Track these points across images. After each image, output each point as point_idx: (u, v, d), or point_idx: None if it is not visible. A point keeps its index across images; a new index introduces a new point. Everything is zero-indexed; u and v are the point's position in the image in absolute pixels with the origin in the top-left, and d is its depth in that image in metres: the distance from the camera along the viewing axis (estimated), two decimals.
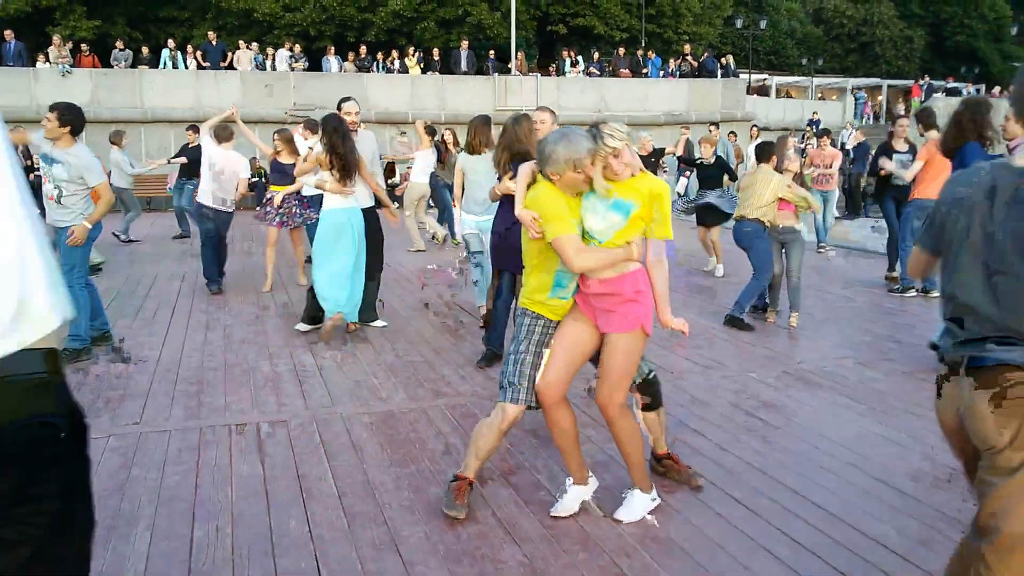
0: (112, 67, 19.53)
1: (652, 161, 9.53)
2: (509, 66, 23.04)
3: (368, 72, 21.24)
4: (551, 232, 3.04)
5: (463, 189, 6.27)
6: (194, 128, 11.65)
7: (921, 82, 35.37)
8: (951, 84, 38.14)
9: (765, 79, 35.73)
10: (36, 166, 10.68)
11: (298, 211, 8.29)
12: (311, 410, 4.62)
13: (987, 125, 5.48)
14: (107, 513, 3.31)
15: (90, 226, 5.62)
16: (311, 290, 6.32)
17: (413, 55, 22.36)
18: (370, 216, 6.40)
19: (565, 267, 3.12)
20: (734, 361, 5.65)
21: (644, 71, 23.75)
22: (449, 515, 3.23)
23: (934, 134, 7.34)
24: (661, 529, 3.19)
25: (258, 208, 8.49)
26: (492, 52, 23.58)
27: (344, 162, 5.93)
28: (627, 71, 23.31)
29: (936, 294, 6.35)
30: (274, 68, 21.00)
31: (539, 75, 22.71)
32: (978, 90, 35.58)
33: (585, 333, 3.22)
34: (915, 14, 46.02)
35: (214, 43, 21.02)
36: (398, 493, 3.52)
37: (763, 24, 37.60)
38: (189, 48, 21.12)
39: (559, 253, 3.06)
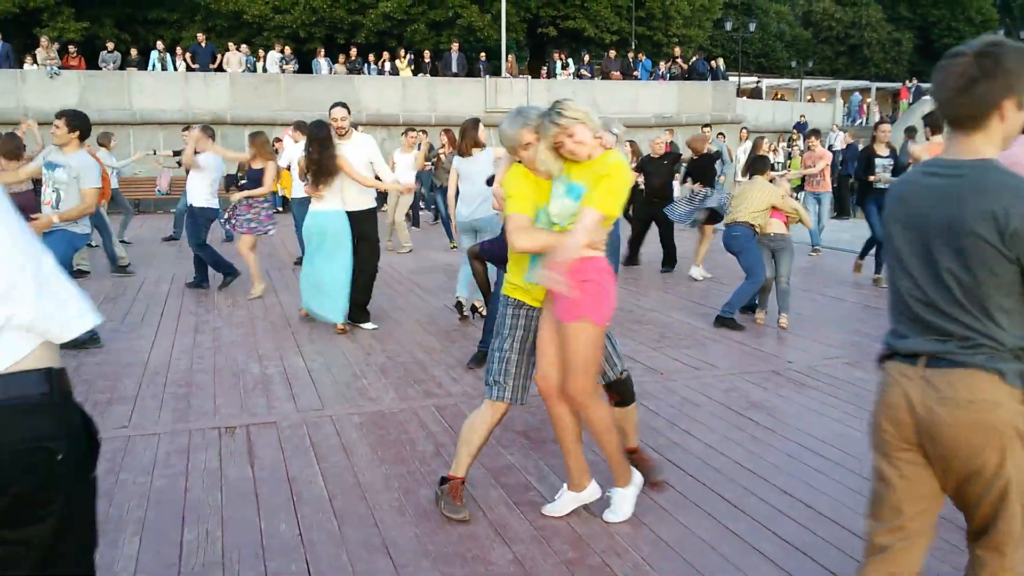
0: (100, 69, 19.44)
1: (664, 164, 9.27)
2: (500, 68, 23.07)
3: (359, 74, 21.22)
4: (506, 209, 3.07)
5: (457, 191, 6.46)
6: (189, 129, 11.61)
7: (909, 84, 35.54)
8: None
9: (758, 82, 35.85)
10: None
11: (266, 216, 7.94)
12: (301, 412, 4.61)
13: None
14: None
15: (56, 220, 5.73)
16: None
17: (404, 57, 22.35)
18: (360, 218, 6.46)
19: None
20: (724, 361, 5.66)
21: (634, 73, 23.82)
22: (455, 518, 3.23)
23: (939, 138, 7.39)
24: (652, 530, 3.20)
25: (226, 217, 8.01)
26: (483, 54, 23.58)
27: (316, 168, 6.18)
28: (618, 73, 23.37)
29: None
30: (265, 70, 20.95)
31: (529, 77, 22.73)
32: None
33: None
34: (903, 17, 46.34)
35: (203, 45, 20.93)
36: (388, 494, 3.51)
37: (752, 27, 37.72)
38: (178, 50, 21.03)
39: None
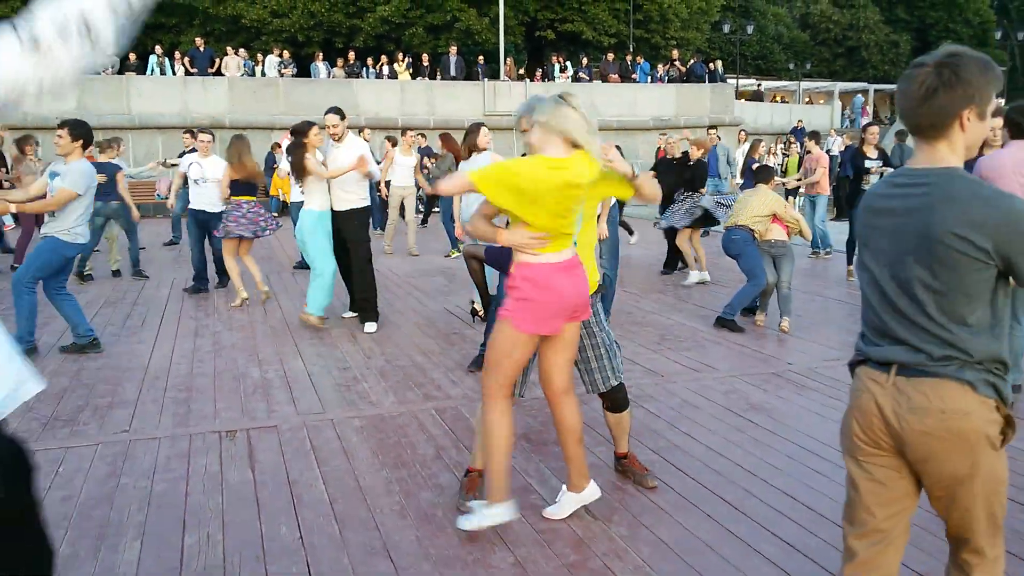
0: (99, 73, 19.43)
1: (676, 165, 8.94)
2: (499, 71, 23.09)
3: (357, 78, 21.24)
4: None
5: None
6: (191, 133, 11.58)
7: None
8: None
9: (760, 85, 35.88)
10: (8, 168, 10.66)
11: (262, 220, 7.73)
12: (301, 415, 4.61)
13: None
14: (96, 522, 3.30)
15: (12, 208, 5.99)
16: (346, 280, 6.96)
17: (402, 61, 22.38)
18: (344, 218, 6.65)
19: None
20: (724, 363, 5.67)
21: (633, 76, 23.85)
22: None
23: None
24: (652, 532, 3.20)
25: (224, 220, 7.72)
26: (481, 57, 23.61)
27: (291, 165, 6.61)
28: (616, 76, 23.40)
29: None
30: (263, 74, 20.97)
31: (528, 80, 22.76)
32: None
33: None
34: (900, 19, 46.44)
35: (202, 49, 20.96)
36: (389, 498, 3.51)
37: (750, 29, 37.81)
38: (177, 54, 21.06)
39: None
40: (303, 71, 22.19)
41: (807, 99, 38.97)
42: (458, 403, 4.81)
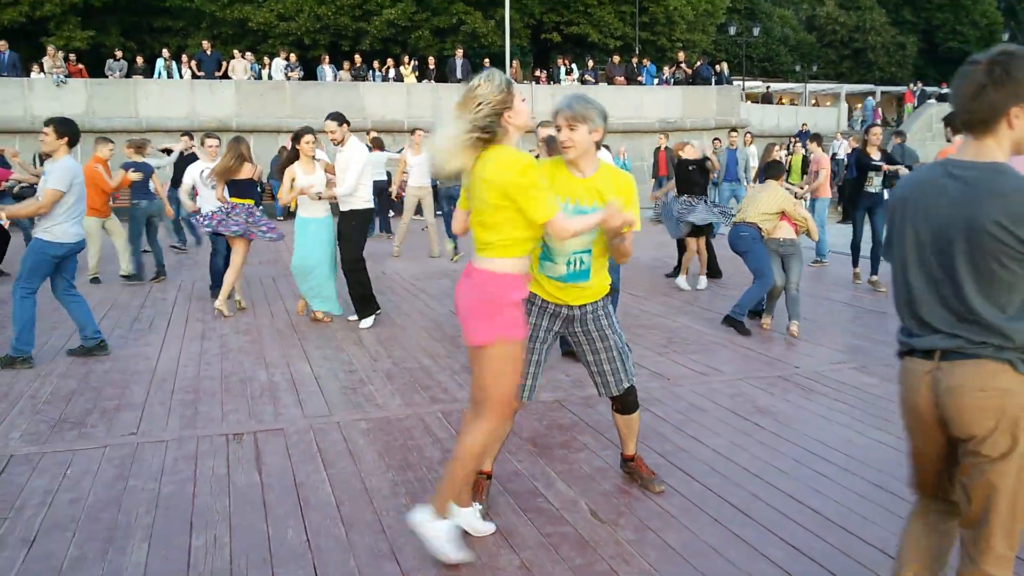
0: (107, 77, 19.54)
1: (689, 168, 8.59)
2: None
3: (363, 81, 21.29)
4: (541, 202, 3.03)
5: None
6: (189, 135, 11.66)
7: (914, 88, 35.57)
8: (944, 90, 38.29)
9: (769, 87, 35.82)
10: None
11: (254, 221, 7.49)
12: (308, 418, 4.62)
13: None
14: (104, 524, 3.31)
15: (3, 216, 5.94)
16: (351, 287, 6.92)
17: (408, 64, 22.41)
18: (344, 218, 6.83)
19: (551, 240, 3.11)
20: (730, 367, 5.66)
21: (639, 78, 23.84)
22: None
23: (960, 138, 7.40)
24: (659, 535, 3.19)
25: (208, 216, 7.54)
26: (487, 60, 23.63)
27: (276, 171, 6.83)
28: (622, 78, 23.39)
29: None
30: (270, 77, 21.03)
31: (534, 83, 22.78)
32: None
33: None
34: (907, 21, 46.29)
35: (209, 53, 21.05)
36: (396, 500, 3.52)
37: (756, 31, 37.77)
38: (184, 58, 21.15)
39: None
40: (310, 74, 22.24)
41: (813, 101, 38.91)
42: (464, 406, 4.81)
